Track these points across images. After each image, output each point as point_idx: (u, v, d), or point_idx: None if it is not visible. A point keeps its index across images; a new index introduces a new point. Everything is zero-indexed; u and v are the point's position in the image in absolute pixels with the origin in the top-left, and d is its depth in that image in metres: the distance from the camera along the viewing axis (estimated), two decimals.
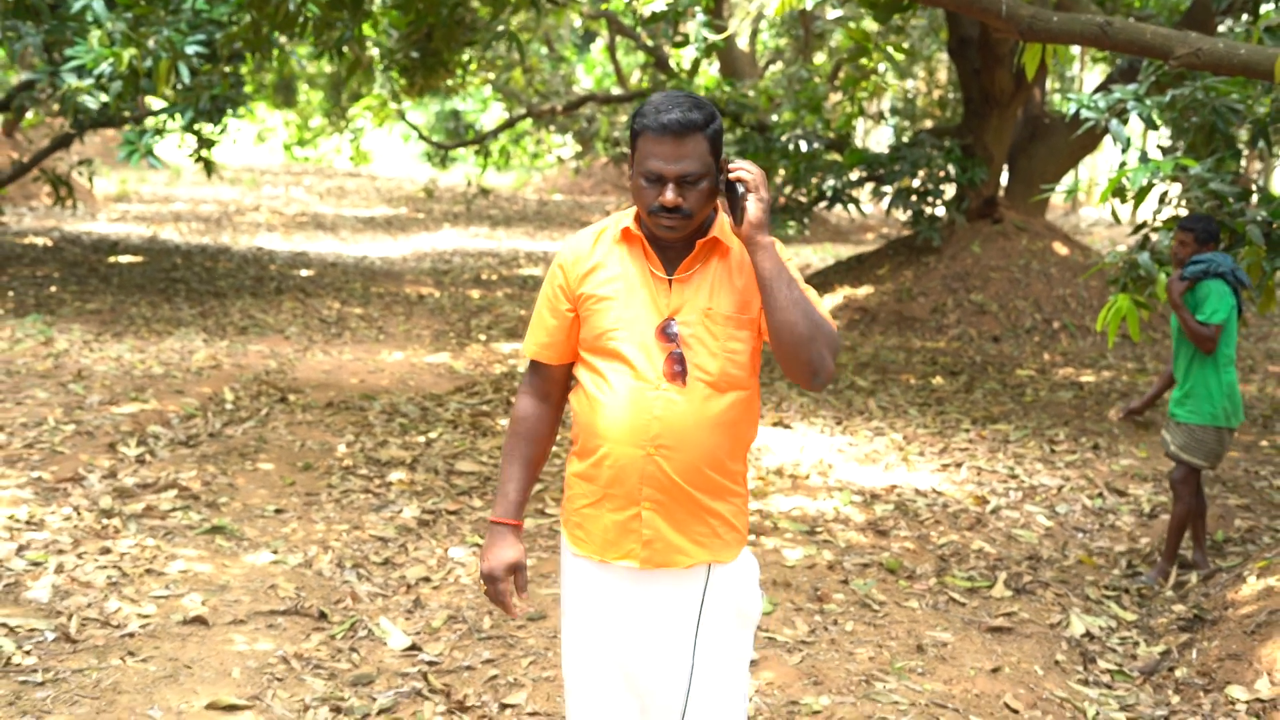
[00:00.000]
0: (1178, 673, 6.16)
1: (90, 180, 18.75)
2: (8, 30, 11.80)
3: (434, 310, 16.53)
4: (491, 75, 27.41)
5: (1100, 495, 9.03)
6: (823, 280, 18.59)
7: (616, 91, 29.24)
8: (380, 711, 5.33)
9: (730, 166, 3.34)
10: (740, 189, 3.31)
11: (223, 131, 15.71)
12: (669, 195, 3.30)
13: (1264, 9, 12.79)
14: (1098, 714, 5.66)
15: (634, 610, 3.52)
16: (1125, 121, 8.49)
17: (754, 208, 3.29)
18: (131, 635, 5.84)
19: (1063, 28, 7.20)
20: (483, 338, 14.60)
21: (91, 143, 30.00)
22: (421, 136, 26.29)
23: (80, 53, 11.19)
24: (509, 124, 26.20)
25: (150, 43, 11.03)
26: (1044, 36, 7.26)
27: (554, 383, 3.65)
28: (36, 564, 6.60)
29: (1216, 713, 5.67)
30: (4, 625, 5.82)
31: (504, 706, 5.45)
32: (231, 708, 5.21)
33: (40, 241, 19.60)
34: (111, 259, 18.65)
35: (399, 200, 34.42)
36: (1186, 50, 6.77)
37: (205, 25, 12.26)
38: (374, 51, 19.16)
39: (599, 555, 3.52)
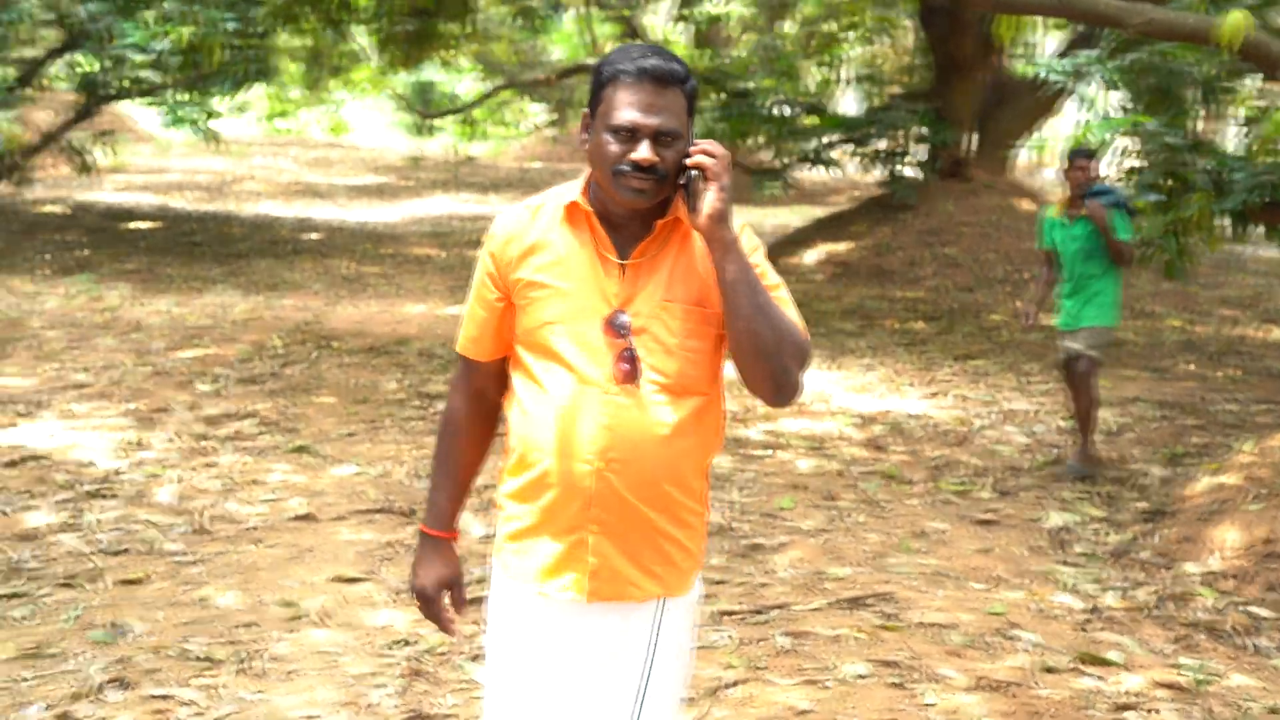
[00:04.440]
0: (1141, 554, 7.21)
1: (111, 150, 19.64)
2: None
3: (443, 268, 17.53)
4: (475, 47, 28.26)
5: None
6: (803, 238, 19.67)
7: (593, 61, 30.12)
8: (478, 580, 6.35)
9: (691, 149, 2.92)
10: (697, 174, 2.91)
11: (241, 104, 16.65)
12: (644, 151, 2.87)
13: None
14: (1073, 584, 6.71)
15: (574, 649, 3.06)
16: (1089, 84, 9.57)
17: (713, 198, 2.86)
18: (254, 528, 6.87)
19: (1032, 0, 8.25)
20: None
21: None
22: (409, 107, 27.10)
23: (132, 29, 12.16)
24: (493, 92, 27.04)
25: (199, 20, 12.00)
26: (1016, 8, 8.31)
27: (489, 378, 3.21)
28: (154, 476, 7.62)
29: (1176, 585, 6.72)
30: (145, 521, 6.85)
31: None
32: (352, 579, 6.23)
33: (58, 210, 20.50)
34: (130, 225, 19.56)
35: (384, 169, 35.29)
36: (1140, 19, 7.84)
37: (240, 4, 13.21)
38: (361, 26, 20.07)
39: (537, 586, 3.05)
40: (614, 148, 2.90)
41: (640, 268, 3.00)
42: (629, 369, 2.94)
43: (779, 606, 6.05)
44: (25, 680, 4.97)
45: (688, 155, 2.92)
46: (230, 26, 12.54)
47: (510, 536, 3.11)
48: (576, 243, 3.03)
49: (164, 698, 4.90)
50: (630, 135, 2.88)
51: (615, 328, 2.95)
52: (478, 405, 3.24)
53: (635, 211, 3.00)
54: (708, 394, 3.05)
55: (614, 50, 3.01)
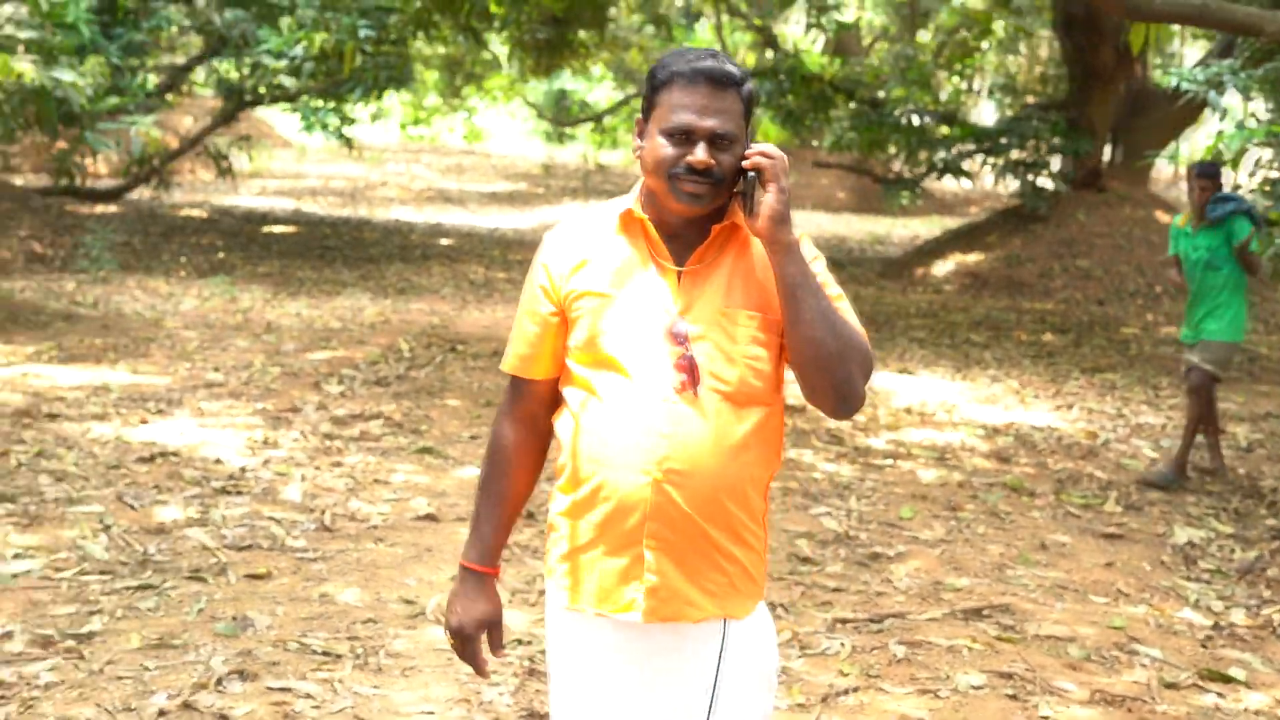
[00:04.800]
0: (1270, 572, 7.10)
1: (251, 155, 20.04)
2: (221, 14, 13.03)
3: None
4: (606, 55, 28.44)
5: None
6: (934, 249, 19.56)
7: None
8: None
9: (748, 152, 2.83)
10: (754, 177, 2.82)
11: (378, 111, 16.91)
12: (700, 153, 2.79)
13: None
14: (1198, 600, 6.61)
15: (634, 671, 2.95)
16: (1222, 93, 9.42)
17: (772, 200, 2.78)
18: (376, 527, 6.96)
19: (1165, 8, 8.14)
20: None
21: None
22: (542, 114, 27.31)
23: (269, 35, 12.41)
24: (626, 100, 27.17)
25: (334, 27, 12.22)
26: (1148, 16, 8.20)
27: (539, 402, 3.08)
28: (282, 474, 7.75)
29: None
30: (271, 518, 6.97)
31: None
32: None
33: (197, 214, 20.91)
34: (266, 229, 19.91)
35: (516, 176, 35.55)
36: (1276, 27, 7.71)
37: (374, 11, 13.42)
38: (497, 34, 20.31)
39: (593, 608, 2.93)
40: (669, 151, 2.82)
41: (698, 274, 2.91)
42: (688, 377, 2.84)
43: (896, 615, 6.02)
44: (150, 670, 5.08)
45: (745, 158, 2.82)
46: (365, 33, 12.73)
47: (564, 556, 2.99)
48: (632, 251, 2.94)
49: (283, 690, 4.98)
50: (685, 138, 2.81)
51: (675, 336, 2.85)
52: (528, 431, 3.08)
53: (691, 217, 2.91)
54: (769, 405, 2.94)
55: (669, 53, 2.93)
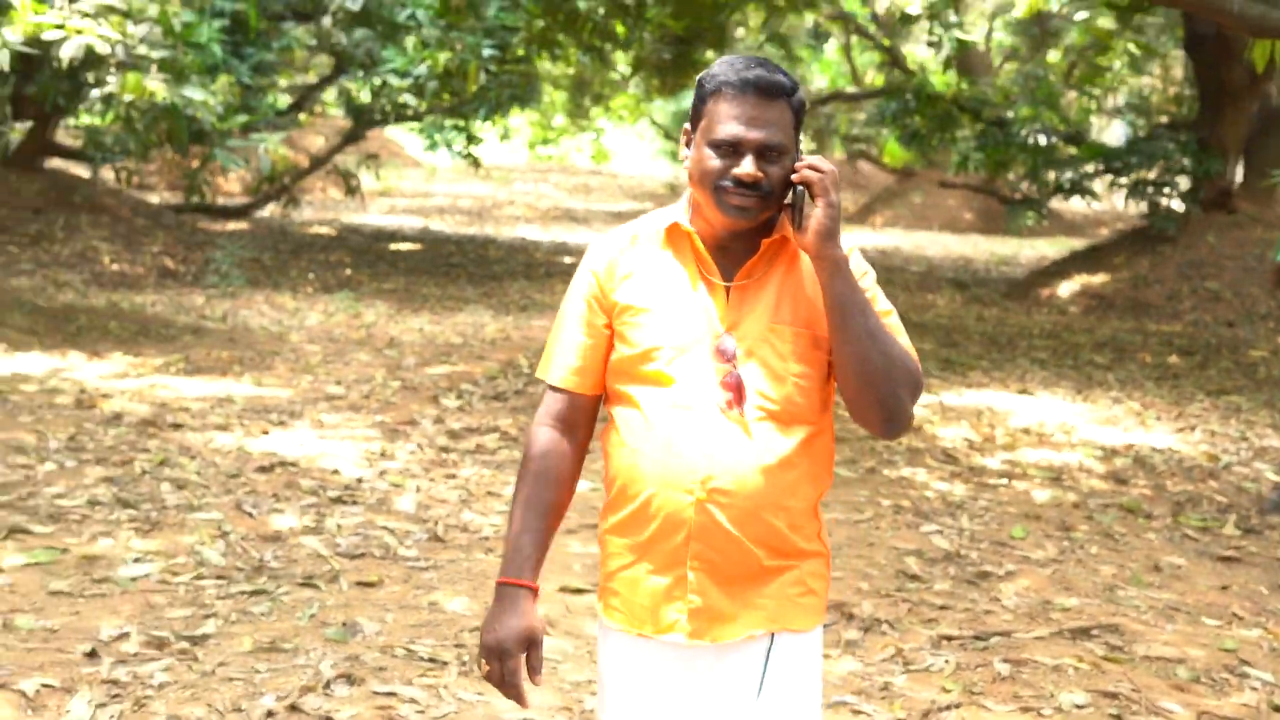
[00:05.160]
0: None
1: (379, 175, 20.32)
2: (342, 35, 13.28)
3: None
4: None
5: None
6: (1058, 269, 19.37)
7: (853, 90, 30.15)
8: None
9: (797, 164, 2.76)
10: (803, 190, 2.76)
11: (501, 127, 17.10)
12: (748, 166, 2.73)
13: None
14: None
15: (680, 692, 2.90)
16: None
17: (821, 214, 2.71)
18: (486, 538, 7.05)
19: None
20: None
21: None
22: (667, 135, 27.44)
23: (393, 55, 12.62)
24: None
25: (458, 46, 12.39)
26: (1273, 33, 8.08)
27: (583, 413, 3.00)
28: (396, 485, 7.86)
29: None
30: (385, 528, 7.08)
31: None
32: (578, 590, 6.35)
33: (325, 231, 21.25)
34: (393, 246, 20.19)
35: (642, 196, 35.73)
36: None
37: (499, 31, 13.58)
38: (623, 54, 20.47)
39: (637, 628, 2.90)
40: (716, 163, 2.76)
41: (746, 290, 2.85)
42: (734, 395, 2.79)
43: (1002, 634, 5.98)
44: (260, 672, 5.18)
45: (794, 171, 2.76)
46: (489, 52, 12.89)
47: (610, 574, 2.96)
48: (679, 265, 2.89)
49: (389, 694, 5.06)
50: (733, 150, 2.75)
51: (721, 353, 2.81)
52: (570, 443, 2.98)
53: (739, 231, 2.85)
54: (816, 424, 2.88)
55: (717, 62, 2.86)
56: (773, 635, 2.87)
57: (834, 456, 3.00)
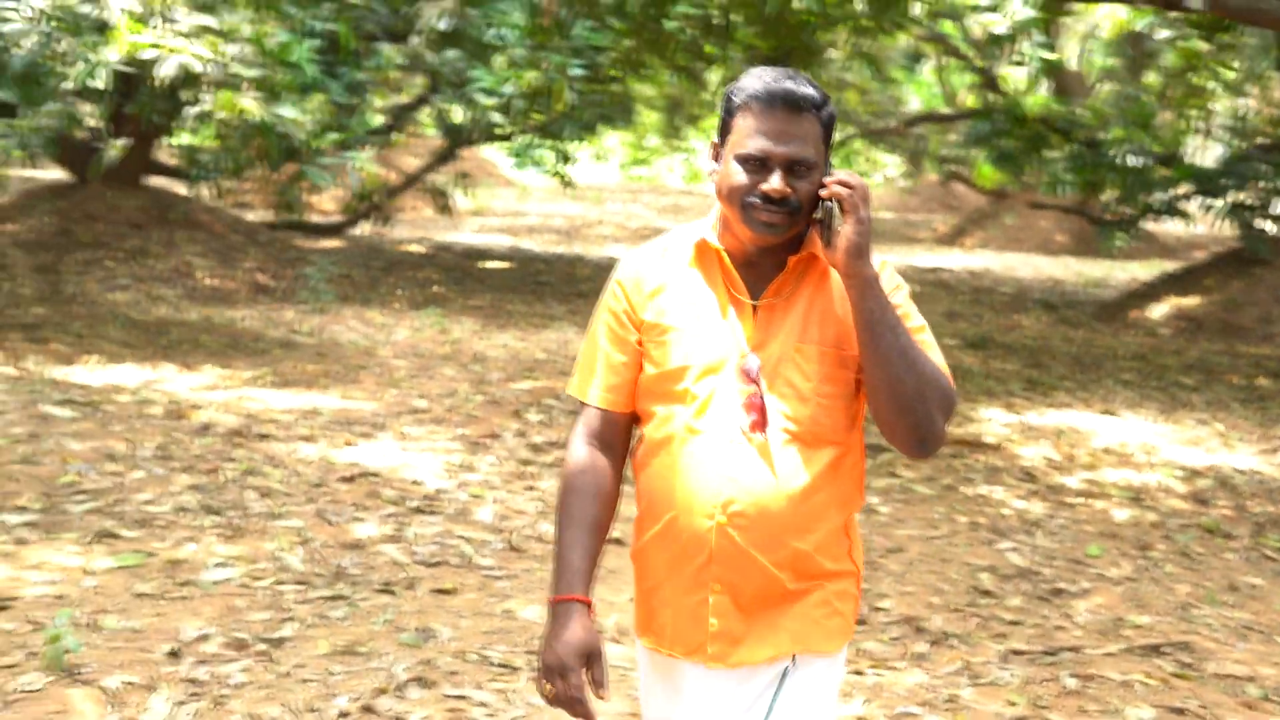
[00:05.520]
0: None
1: (472, 194, 20.52)
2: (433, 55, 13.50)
3: None
4: None
5: None
6: (1150, 291, 19.21)
7: (946, 111, 30.08)
8: None
9: (826, 180, 2.70)
10: (832, 206, 2.70)
11: (594, 147, 17.23)
12: (775, 181, 2.68)
13: None
14: None
15: (707, 708, 2.87)
16: None
17: (850, 231, 2.65)
18: None
19: None
20: None
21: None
22: None
23: (483, 74, 12.79)
24: (843, 141, 27.20)
25: (545, 65, 12.55)
26: None
27: (621, 430, 2.99)
28: (477, 496, 7.98)
29: None
30: (463, 537, 7.19)
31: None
32: None
33: (417, 249, 21.47)
34: (482, 264, 20.38)
35: None
36: None
37: (587, 50, 13.72)
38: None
39: (666, 649, 2.90)
40: (743, 178, 2.71)
41: (774, 308, 2.81)
42: (758, 417, 2.76)
43: (1071, 649, 6.00)
44: (335, 674, 5.30)
45: (823, 186, 2.70)
46: (576, 72, 13.03)
47: (640, 593, 2.98)
48: (706, 283, 2.86)
49: (460, 698, 5.17)
50: (761, 165, 2.70)
51: (746, 373, 2.77)
52: (609, 459, 2.98)
53: (767, 248, 2.81)
54: (843, 444, 2.83)
55: (745, 75, 2.81)
56: (794, 657, 2.84)
57: (864, 475, 2.97)
